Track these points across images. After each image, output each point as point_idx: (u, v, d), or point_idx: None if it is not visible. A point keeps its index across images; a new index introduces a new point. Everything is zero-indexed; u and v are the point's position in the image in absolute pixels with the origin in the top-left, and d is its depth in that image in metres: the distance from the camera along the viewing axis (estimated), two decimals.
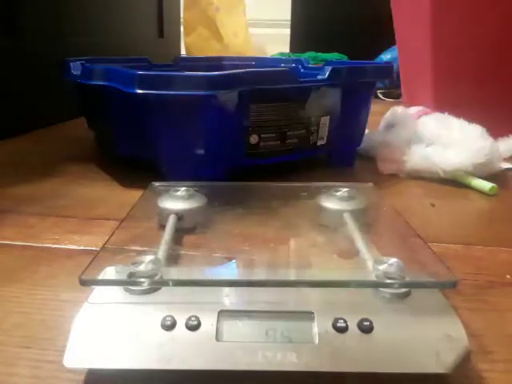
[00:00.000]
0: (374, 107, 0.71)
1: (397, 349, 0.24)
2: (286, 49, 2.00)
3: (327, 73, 0.56)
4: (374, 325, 0.24)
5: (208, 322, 0.25)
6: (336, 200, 0.42)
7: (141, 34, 1.25)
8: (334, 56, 1.57)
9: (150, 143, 0.53)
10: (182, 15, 1.64)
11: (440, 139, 0.63)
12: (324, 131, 0.61)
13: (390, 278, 0.27)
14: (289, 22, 2.05)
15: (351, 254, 0.34)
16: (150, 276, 0.27)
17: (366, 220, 0.40)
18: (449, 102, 0.76)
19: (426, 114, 0.72)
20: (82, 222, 0.45)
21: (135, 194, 0.45)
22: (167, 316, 0.25)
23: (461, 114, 0.66)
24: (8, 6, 0.78)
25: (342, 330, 0.24)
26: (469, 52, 0.77)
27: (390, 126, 0.69)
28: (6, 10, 0.78)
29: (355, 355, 0.24)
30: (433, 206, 0.52)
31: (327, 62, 0.74)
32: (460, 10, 0.75)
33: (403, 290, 0.26)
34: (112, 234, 0.33)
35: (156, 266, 0.27)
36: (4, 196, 0.52)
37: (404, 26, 0.94)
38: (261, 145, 0.55)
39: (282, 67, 0.82)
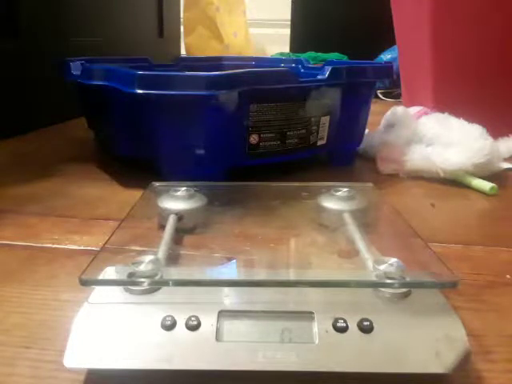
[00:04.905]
0: (374, 107, 0.71)
1: (397, 349, 0.24)
2: (286, 49, 2.00)
3: (327, 73, 0.56)
4: (374, 325, 0.24)
5: (208, 322, 0.25)
6: (336, 200, 0.42)
7: (141, 34, 1.25)
8: (333, 56, 1.57)
9: (150, 143, 0.53)
10: (182, 15, 1.64)
11: (440, 139, 0.63)
12: (324, 131, 0.61)
13: (389, 278, 0.27)
14: (289, 22, 2.05)
15: (351, 254, 0.34)
16: (150, 276, 0.27)
17: (366, 220, 0.40)
18: (449, 102, 0.76)
19: (426, 114, 0.72)
20: (82, 222, 0.45)
21: (135, 194, 0.45)
22: (167, 316, 0.25)
23: (461, 114, 0.66)
24: (8, 7, 0.78)
25: (342, 330, 0.24)
26: (469, 52, 0.77)
27: (390, 126, 0.69)
28: (6, 11, 0.78)
29: (355, 355, 0.24)
30: (433, 206, 0.52)
31: (327, 62, 0.74)
32: (460, 10, 0.75)
33: (403, 289, 0.26)
34: (112, 234, 0.33)
35: (156, 266, 0.27)
36: (4, 196, 0.52)
37: (404, 26, 0.94)
38: (261, 145, 0.55)
39: (282, 67, 0.82)
